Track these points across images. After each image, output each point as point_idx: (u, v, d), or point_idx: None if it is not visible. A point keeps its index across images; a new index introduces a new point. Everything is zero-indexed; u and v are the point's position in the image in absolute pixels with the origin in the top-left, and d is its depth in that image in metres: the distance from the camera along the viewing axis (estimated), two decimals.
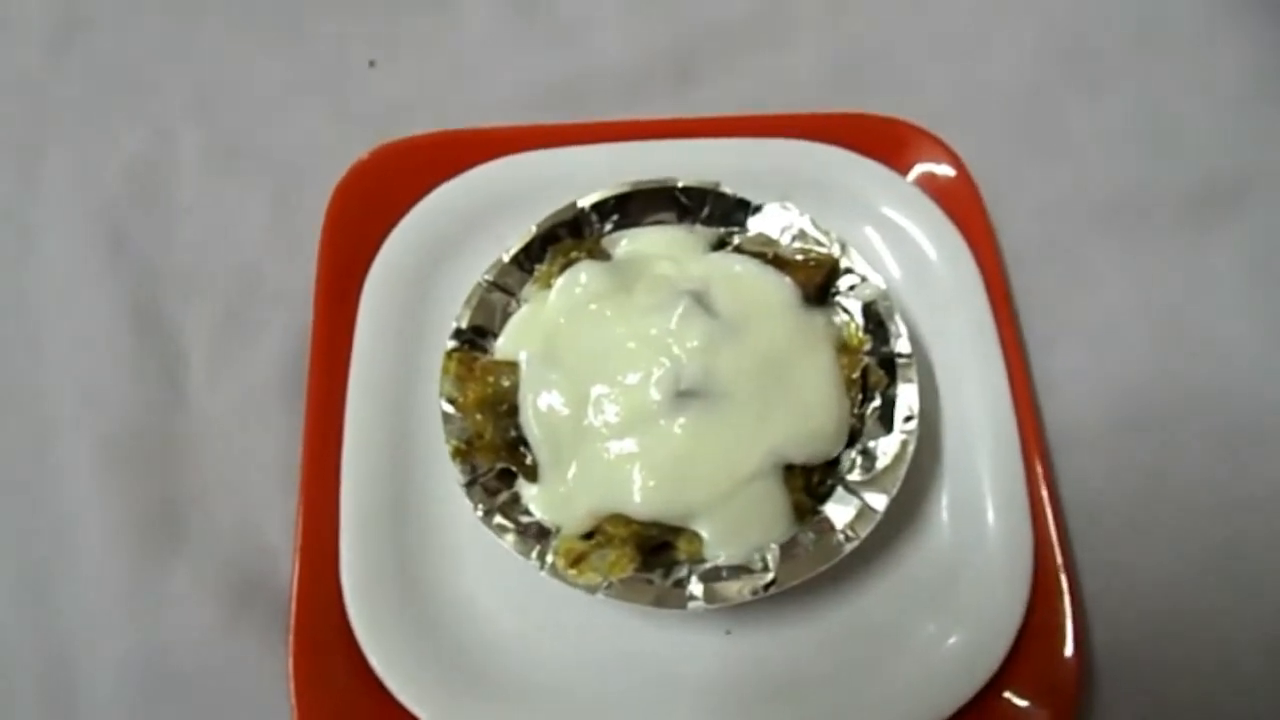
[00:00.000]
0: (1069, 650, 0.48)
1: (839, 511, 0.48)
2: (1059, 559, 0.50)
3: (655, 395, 0.47)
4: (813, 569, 0.46)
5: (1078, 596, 0.50)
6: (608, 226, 0.55)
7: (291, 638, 0.48)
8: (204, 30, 0.68)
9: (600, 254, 0.53)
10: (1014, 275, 0.59)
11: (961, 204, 0.58)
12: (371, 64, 0.67)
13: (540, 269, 0.54)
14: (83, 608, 0.51)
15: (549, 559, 0.47)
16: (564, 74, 0.66)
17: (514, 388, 0.49)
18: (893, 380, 0.50)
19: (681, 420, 0.46)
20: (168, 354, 0.57)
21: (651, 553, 0.48)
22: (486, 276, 0.53)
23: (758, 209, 0.54)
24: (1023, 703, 0.48)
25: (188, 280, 0.59)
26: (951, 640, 0.49)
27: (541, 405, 0.48)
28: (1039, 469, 0.52)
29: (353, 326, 0.54)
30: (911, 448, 0.48)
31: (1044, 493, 0.51)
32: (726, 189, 0.54)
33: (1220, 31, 0.68)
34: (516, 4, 0.69)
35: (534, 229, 0.54)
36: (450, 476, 0.49)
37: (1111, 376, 0.57)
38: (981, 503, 0.51)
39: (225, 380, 0.57)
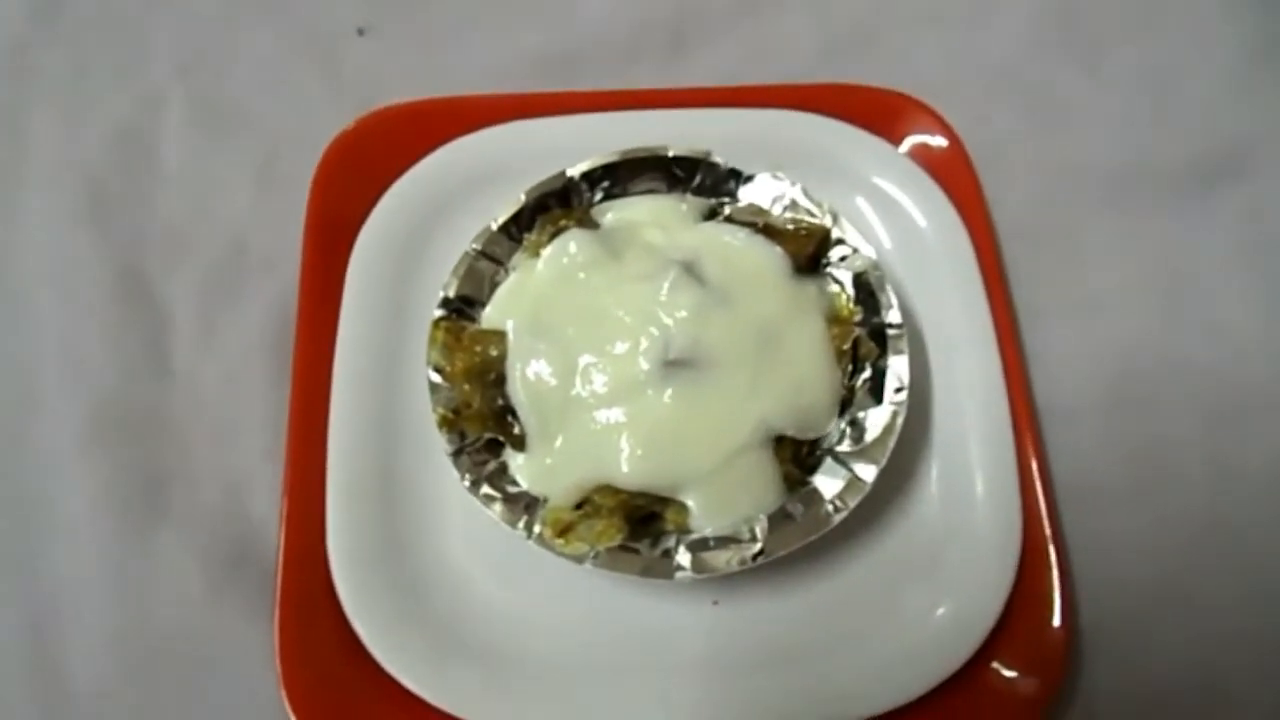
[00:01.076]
0: (1056, 621, 0.48)
1: (828, 482, 0.48)
2: (1047, 530, 0.50)
3: (643, 365, 0.46)
4: (801, 540, 0.46)
5: (1066, 568, 0.50)
6: (597, 195, 0.55)
7: (277, 607, 0.47)
8: None
9: (589, 223, 0.53)
10: (1006, 247, 0.58)
11: (954, 175, 0.58)
12: (360, 32, 0.66)
13: (529, 238, 0.53)
14: (68, 578, 0.51)
15: (536, 528, 0.47)
16: (555, 42, 0.66)
17: (501, 357, 0.49)
18: (883, 351, 0.49)
19: (670, 390, 0.46)
20: (153, 322, 0.57)
21: (640, 523, 0.47)
22: (475, 245, 0.53)
23: (749, 179, 0.54)
24: (1010, 673, 0.48)
25: (173, 248, 0.59)
26: (940, 611, 0.49)
27: (529, 375, 0.48)
28: (1028, 441, 0.51)
29: (339, 295, 0.54)
30: (901, 419, 0.48)
31: (1033, 465, 0.51)
32: (718, 158, 0.54)
33: (1217, 1, 0.67)
34: None
35: (523, 198, 0.53)
36: (437, 446, 0.49)
37: (1103, 350, 0.57)
38: (971, 474, 0.51)
39: (211, 349, 0.56)
